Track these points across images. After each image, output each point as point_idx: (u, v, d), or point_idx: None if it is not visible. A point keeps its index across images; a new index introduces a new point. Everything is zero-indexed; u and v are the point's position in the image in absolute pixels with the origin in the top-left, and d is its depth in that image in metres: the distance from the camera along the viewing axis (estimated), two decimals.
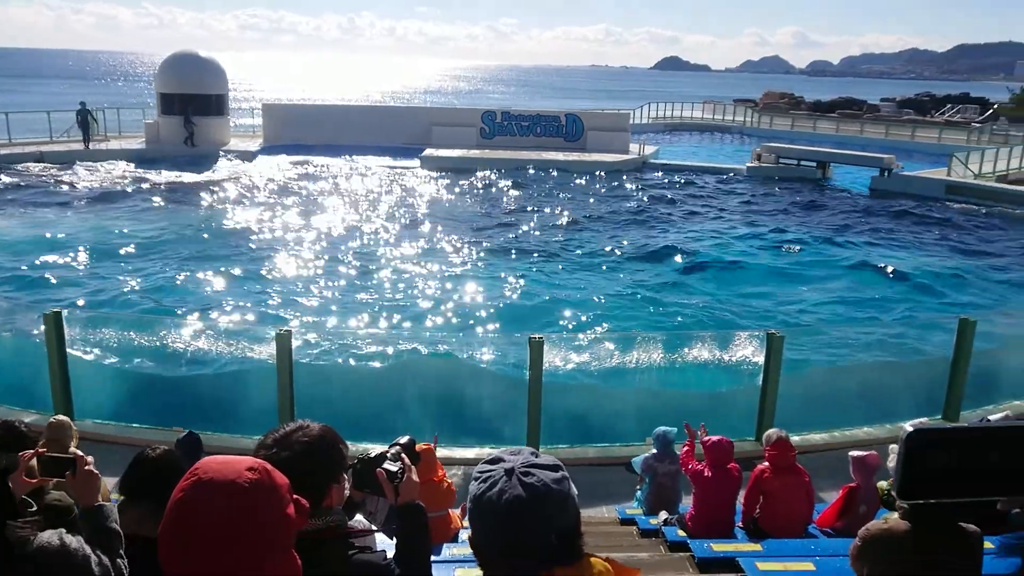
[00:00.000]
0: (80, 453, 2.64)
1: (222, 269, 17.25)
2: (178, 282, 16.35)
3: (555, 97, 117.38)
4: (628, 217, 24.09)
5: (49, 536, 2.38)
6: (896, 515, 3.21)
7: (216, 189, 26.09)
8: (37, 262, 17.30)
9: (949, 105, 68.02)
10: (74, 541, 2.40)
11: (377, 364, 11.45)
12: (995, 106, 61.40)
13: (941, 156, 34.25)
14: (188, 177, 27.73)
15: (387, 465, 2.75)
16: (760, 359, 9.44)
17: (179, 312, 14.25)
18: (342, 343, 12.00)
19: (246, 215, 22.67)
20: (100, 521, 2.61)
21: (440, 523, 5.83)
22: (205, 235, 20.33)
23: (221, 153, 31.91)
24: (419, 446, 5.78)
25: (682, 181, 31.03)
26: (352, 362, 11.31)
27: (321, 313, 14.90)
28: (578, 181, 30.10)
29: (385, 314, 14.95)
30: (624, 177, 31.63)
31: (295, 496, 1.61)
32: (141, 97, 36.07)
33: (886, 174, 30.21)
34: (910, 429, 1.13)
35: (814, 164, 32.14)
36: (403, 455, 2.84)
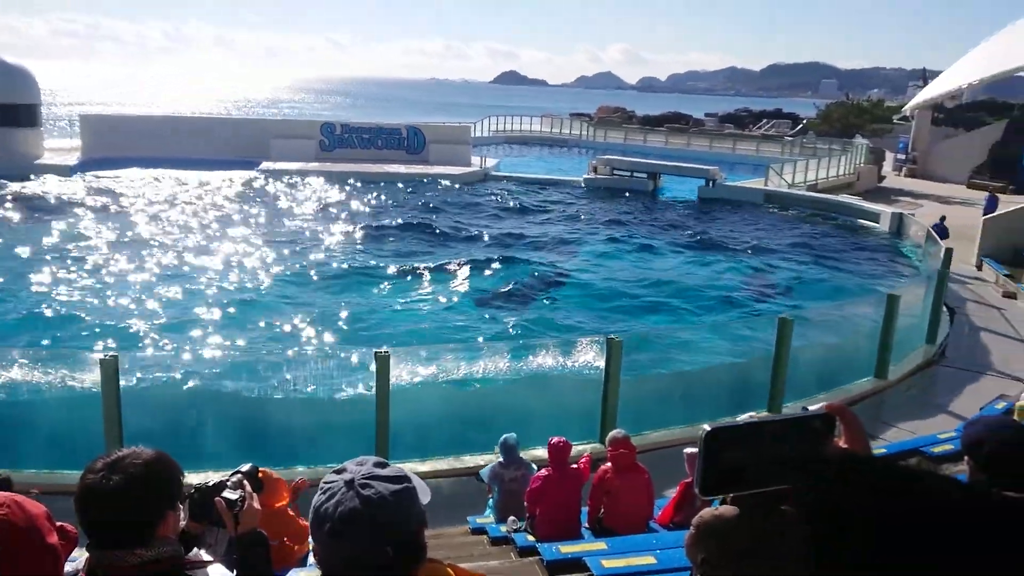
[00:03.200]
0: None
1: (33, 292, 15.94)
2: None
3: (396, 110, 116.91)
4: (469, 229, 24.32)
5: None
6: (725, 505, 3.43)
7: (26, 206, 24.02)
8: None
9: (765, 120, 73.32)
10: None
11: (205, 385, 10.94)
12: (804, 121, 66.78)
13: (759, 167, 36.88)
14: (6, 194, 25.36)
15: (226, 494, 2.65)
16: (601, 363, 9.79)
17: None
18: (171, 367, 11.37)
19: (60, 233, 21.04)
20: None
21: (283, 551, 5.64)
22: (12, 257, 18.69)
23: (33, 168, 29.49)
24: (261, 471, 5.58)
25: (523, 193, 31.72)
26: (186, 386, 10.73)
27: (145, 336, 14.06)
28: (420, 193, 30.10)
29: (216, 333, 14.32)
30: (466, 189, 31.94)
31: (60, 524, 1.52)
32: None
33: (711, 184, 32.15)
34: (707, 428, 1.21)
35: (646, 175, 33.70)
36: (244, 482, 2.75)
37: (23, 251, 19.06)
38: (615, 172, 34.32)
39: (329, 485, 1.57)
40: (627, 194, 32.26)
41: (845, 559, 0.74)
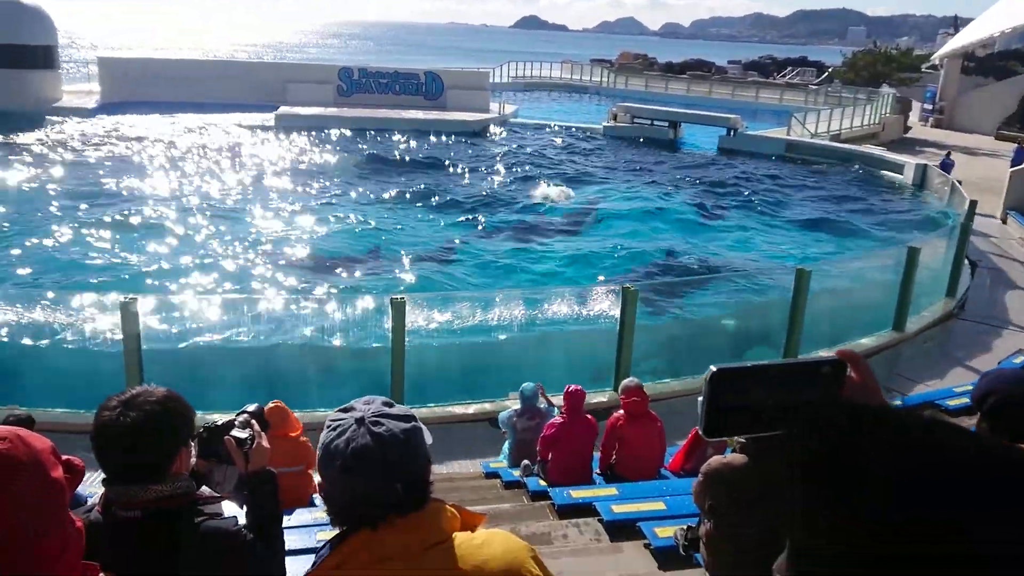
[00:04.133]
0: None
1: (58, 235, 16.07)
2: (10, 252, 15.10)
3: (413, 55, 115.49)
4: (485, 176, 24.17)
5: None
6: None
7: (49, 150, 24.07)
8: None
9: (789, 68, 71.92)
10: None
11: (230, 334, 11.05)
12: (830, 69, 65.38)
13: (782, 116, 36.25)
14: (16, 137, 25.41)
15: (235, 432, 2.69)
16: (616, 312, 9.79)
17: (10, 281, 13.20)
18: (190, 314, 11.46)
19: (85, 177, 21.10)
20: None
21: (297, 479, 5.78)
22: (39, 199, 18.80)
23: (51, 111, 29.46)
24: (271, 404, 5.70)
25: (540, 140, 31.42)
26: (202, 338, 10.83)
27: (160, 280, 14.16)
28: (437, 139, 29.88)
29: (239, 277, 14.41)
30: (484, 136, 31.69)
31: (66, 458, 1.54)
32: None
33: (732, 133, 31.67)
34: (713, 369, 1.20)
35: (666, 124, 33.25)
36: (252, 421, 2.79)
37: (39, 194, 19.17)
38: (635, 120, 33.90)
39: (338, 422, 1.58)
40: (647, 143, 31.88)
41: (862, 514, 0.72)
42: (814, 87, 51.74)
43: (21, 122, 26.83)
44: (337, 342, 10.44)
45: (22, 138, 25.32)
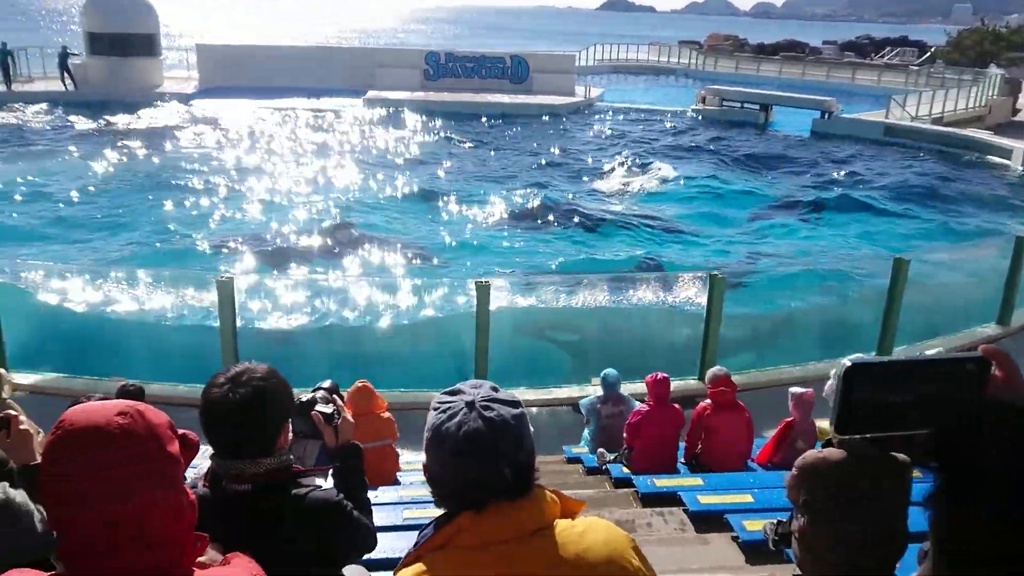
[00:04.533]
0: (14, 412, 2.57)
1: (163, 215, 16.78)
2: (113, 230, 15.85)
3: (499, 38, 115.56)
4: (572, 160, 24.04)
5: None
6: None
7: (144, 133, 25.11)
8: None
9: (888, 48, 68.86)
10: (18, 495, 2.38)
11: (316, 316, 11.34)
12: (932, 49, 62.34)
13: (880, 99, 34.80)
14: (123, 120, 26.58)
15: (321, 408, 2.76)
16: (703, 300, 9.61)
17: (115, 261, 13.85)
18: (280, 293, 11.80)
19: (187, 160, 21.95)
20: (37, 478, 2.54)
21: (382, 455, 5.89)
22: (145, 181, 19.65)
23: (152, 96, 30.69)
24: (358, 383, 5.84)
25: (627, 123, 31.04)
26: (292, 317, 11.14)
27: (272, 262, 14.62)
28: (524, 123, 29.86)
29: (320, 261, 14.76)
30: (570, 119, 31.50)
31: (183, 432, 1.58)
32: (70, 37, 34.20)
33: (827, 116, 30.61)
34: (848, 363, 1.14)
35: (757, 106, 32.38)
36: (334, 396, 2.86)
37: (140, 177, 20.03)
38: (724, 103, 33.13)
39: (447, 405, 1.58)
40: (736, 125, 31.13)
41: (983, 512, 0.69)
42: (915, 68, 49.46)
43: (125, 107, 28.10)
44: (421, 324, 10.59)
45: (126, 122, 26.52)
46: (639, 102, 37.00)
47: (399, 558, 1.60)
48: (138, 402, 1.52)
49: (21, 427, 2.56)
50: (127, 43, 30.66)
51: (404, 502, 5.36)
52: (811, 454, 3.31)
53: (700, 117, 32.38)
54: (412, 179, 21.08)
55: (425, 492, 2.62)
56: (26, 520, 2.37)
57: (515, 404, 1.58)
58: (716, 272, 9.55)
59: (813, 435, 6.09)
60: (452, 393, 1.61)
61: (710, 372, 6.67)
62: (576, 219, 17.96)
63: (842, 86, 43.84)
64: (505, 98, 33.33)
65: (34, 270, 11.31)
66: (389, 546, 3.06)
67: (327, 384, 2.96)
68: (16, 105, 28.10)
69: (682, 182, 21.85)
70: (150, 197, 18.21)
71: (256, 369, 2.25)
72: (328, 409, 2.75)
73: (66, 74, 29.92)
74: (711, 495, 5.44)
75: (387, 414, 6.00)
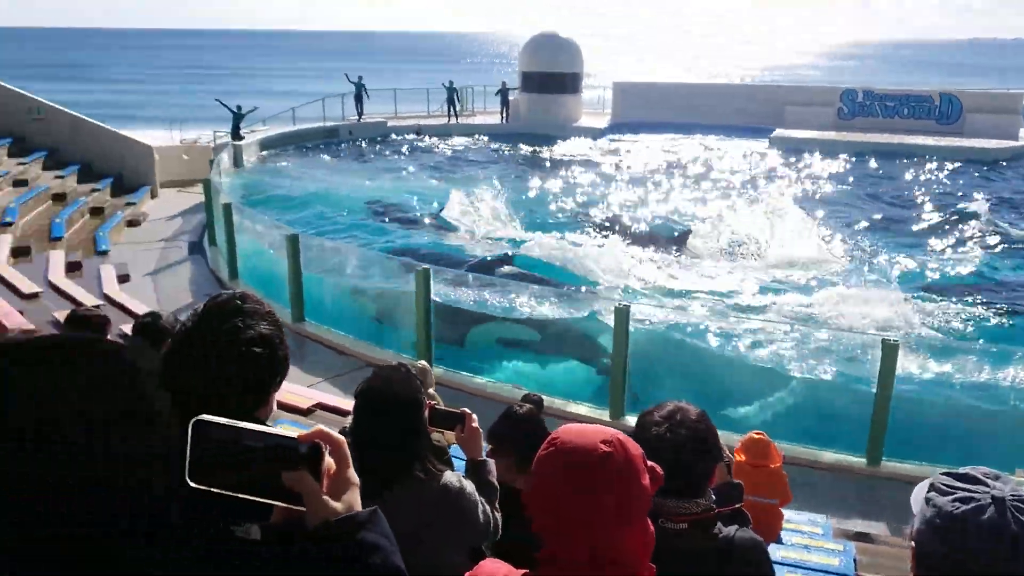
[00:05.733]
0: (467, 410, 2.89)
1: (565, 237, 18.01)
2: (523, 245, 17.33)
3: (925, 74, 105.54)
4: (1004, 215, 20.96)
5: (452, 477, 2.67)
6: None
7: (559, 163, 27.60)
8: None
9: None
10: (468, 485, 2.68)
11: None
12: None
13: None
14: (545, 151, 29.58)
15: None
16: None
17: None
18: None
19: (579, 187, 23.62)
20: (483, 474, 2.86)
21: (771, 513, 5.54)
22: (554, 204, 21.57)
23: (570, 131, 33.32)
24: (757, 433, 5.56)
25: None
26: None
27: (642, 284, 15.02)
28: (952, 170, 26.78)
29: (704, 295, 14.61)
30: (1010, 166, 27.61)
31: (650, 464, 1.60)
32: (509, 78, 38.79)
33: None
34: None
35: None
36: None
37: (553, 202, 21.96)
38: None
39: (967, 493, 1.47)
40: None
41: None
42: None
43: (549, 140, 31.09)
44: (824, 376, 9.99)
45: (548, 152, 29.44)
46: None
47: None
48: (619, 432, 1.60)
49: (473, 424, 2.85)
50: (554, 81, 33.68)
51: (786, 563, 5.03)
52: None
53: None
54: (818, 222, 19.88)
55: None
56: (473, 510, 2.64)
57: None
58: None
59: None
60: (966, 480, 1.50)
61: None
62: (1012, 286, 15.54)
63: None
64: (929, 140, 30.30)
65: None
66: None
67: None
68: (457, 136, 32.45)
69: None
70: (561, 218, 19.80)
71: (688, 409, 2.27)
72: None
73: (505, 108, 33.74)
74: None
75: (779, 468, 5.66)
